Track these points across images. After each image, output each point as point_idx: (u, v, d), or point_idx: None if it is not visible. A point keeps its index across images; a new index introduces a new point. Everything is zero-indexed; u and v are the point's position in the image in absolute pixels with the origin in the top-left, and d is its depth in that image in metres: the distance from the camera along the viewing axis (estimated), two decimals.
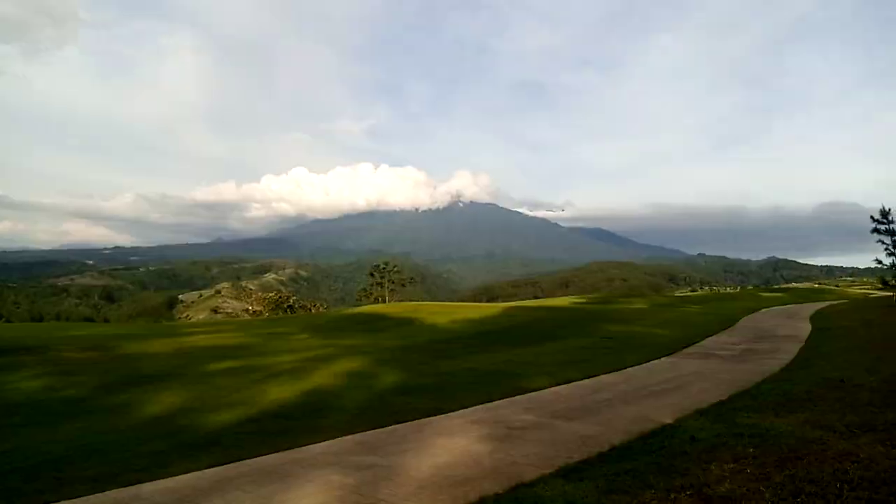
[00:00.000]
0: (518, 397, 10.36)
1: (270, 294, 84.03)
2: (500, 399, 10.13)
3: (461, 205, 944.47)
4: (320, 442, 7.53)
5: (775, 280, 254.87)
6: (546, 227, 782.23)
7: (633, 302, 45.19)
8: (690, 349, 16.77)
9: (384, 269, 71.82)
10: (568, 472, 5.65)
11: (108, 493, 5.75)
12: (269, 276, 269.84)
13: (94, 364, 14.30)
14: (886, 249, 25.81)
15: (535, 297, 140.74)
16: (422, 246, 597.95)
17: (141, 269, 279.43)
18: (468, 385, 11.53)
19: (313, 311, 66.30)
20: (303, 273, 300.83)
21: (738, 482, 4.61)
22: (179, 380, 12.24)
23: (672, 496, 4.46)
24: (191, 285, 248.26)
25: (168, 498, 5.53)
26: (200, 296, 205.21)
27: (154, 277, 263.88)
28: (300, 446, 7.33)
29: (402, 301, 49.34)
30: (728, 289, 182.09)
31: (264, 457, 6.91)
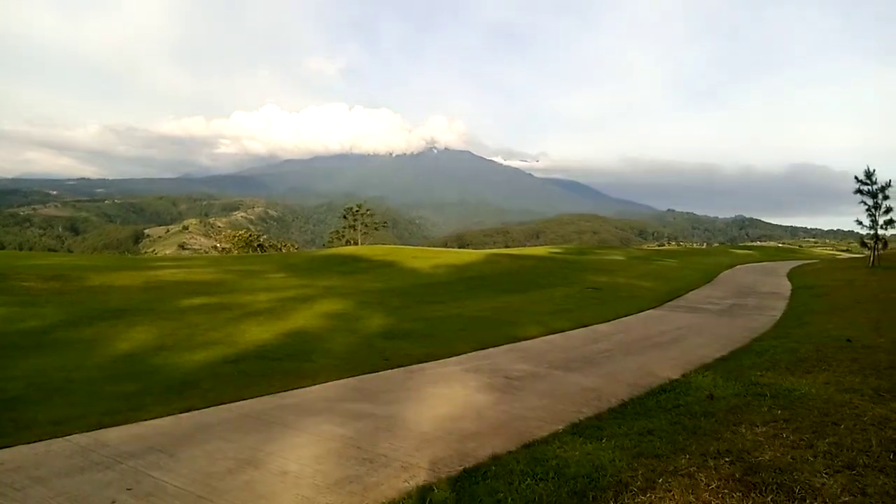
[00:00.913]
0: (511, 345, 9.99)
1: (240, 232, 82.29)
2: (493, 347, 9.74)
3: (435, 151, 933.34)
4: (309, 386, 7.01)
5: (741, 238, 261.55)
6: (520, 178, 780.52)
7: (609, 253, 45.43)
8: (677, 302, 16.68)
9: (357, 211, 70.73)
10: (582, 430, 5.22)
11: (70, 437, 5.11)
12: (238, 215, 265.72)
13: (57, 295, 13.35)
14: (868, 210, 25.97)
15: (507, 247, 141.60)
16: (395, 191, 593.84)
17: (106, 202, 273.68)
18: (458, 331, 11.11)
19: (284, 251, 65.29)
20: (273, 213, 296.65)
21: (779, 449, 4.23)
22: (150, 315, 11.45)
23: (710, 463, 4.04)
24: (157, 220, 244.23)
25: (138, 446, 4.91)
26: (167, 231, 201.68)
27: (120, 211, 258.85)
28: (286, 391, 6.79)
29: (374, 245, 48.60)
30: (695, 245, 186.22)
31: (247, 401, 6.36)
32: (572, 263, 30.65)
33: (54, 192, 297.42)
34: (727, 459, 4.09)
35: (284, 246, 77.29)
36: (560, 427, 5.44)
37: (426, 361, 8.53)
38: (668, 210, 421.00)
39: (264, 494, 3.99)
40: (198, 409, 6.00)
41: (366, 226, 70.50)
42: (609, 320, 13.01)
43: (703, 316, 13.96)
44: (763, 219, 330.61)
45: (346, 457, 4.73)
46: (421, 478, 4.28)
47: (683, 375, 7.45)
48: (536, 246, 79.11)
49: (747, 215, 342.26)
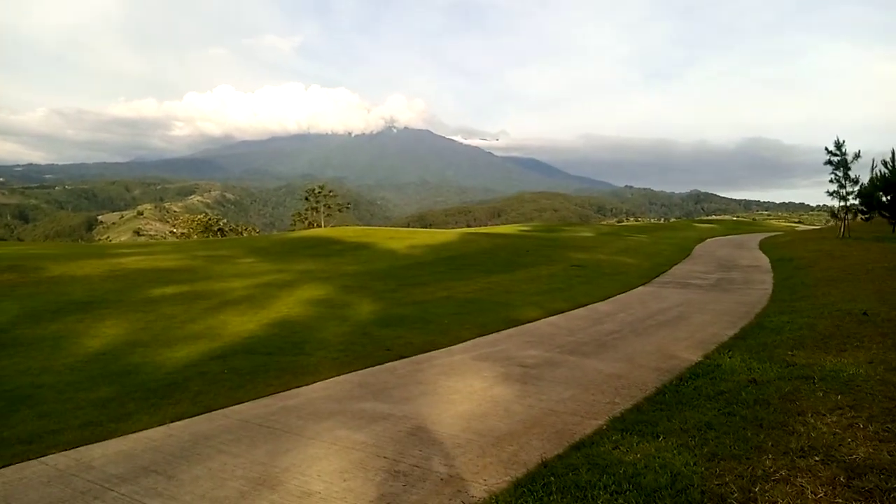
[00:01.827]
0: (514, 329, 9.48)
1: (198, 216, 79.50)
2: (495, 332, 9.20)
3: (395, 130, 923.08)
4: (310, 384, 6.30)
5: (696, 213, 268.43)
6: (480, 156, 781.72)
7: (578, 230, 45.57)
8: (663, 278, 16.51)
9: (319, 193, 69.01)
10: (629, 426, 4.68)
11: (45, 458, 4.30)
12: (195, 199, 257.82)
13: (13, 288, 12.07)
14: (838, 182, 26.42)
15: (468, 226, 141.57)
16: (355, 171, 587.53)
17: (56, 188, 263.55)
18: (453, 315, 10.50)
19: (245, 234, 63.24)
20: (230, 196, 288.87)
21: (865, 443, 3.80)
22: (119, 307, 10.41)
23: (800, 463, 3.58)
24: (110, 206, 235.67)
25: (128, 467, 4.14)
26: (122, 217, 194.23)
27: (71, 197, 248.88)
28: (285, 390, 6.08)
29: (340, 226, 47.36)
30: (652, 220, 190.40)
31: (245, 404, 5.62)
32: (547, 241, 30.39)
33: (1, 179, 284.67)
34: (817, 458, 3.63)
35: (245, 230, 75.16)
36: (601, 422, 4.92)
37: (430, 350, 7.92)
38: (626, 186, 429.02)
39: None
40: (190, 417, 5.23)
41: (328, 207, 68.95)
42: (604, 299, 12.66)
43: (695, 291, 13.77)
44: (718, 193, 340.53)
45: (374, 469, 4.08)
46: (469, 493, 3.68)
47: (705, 357, 7.07)
48: (498, 225, 78.88)
49: (702, 190, 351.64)
